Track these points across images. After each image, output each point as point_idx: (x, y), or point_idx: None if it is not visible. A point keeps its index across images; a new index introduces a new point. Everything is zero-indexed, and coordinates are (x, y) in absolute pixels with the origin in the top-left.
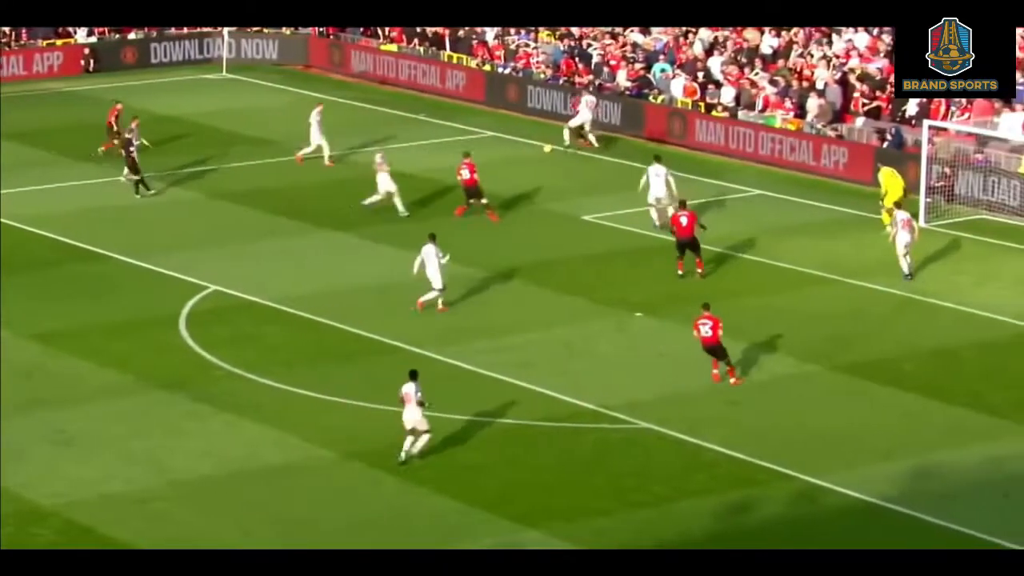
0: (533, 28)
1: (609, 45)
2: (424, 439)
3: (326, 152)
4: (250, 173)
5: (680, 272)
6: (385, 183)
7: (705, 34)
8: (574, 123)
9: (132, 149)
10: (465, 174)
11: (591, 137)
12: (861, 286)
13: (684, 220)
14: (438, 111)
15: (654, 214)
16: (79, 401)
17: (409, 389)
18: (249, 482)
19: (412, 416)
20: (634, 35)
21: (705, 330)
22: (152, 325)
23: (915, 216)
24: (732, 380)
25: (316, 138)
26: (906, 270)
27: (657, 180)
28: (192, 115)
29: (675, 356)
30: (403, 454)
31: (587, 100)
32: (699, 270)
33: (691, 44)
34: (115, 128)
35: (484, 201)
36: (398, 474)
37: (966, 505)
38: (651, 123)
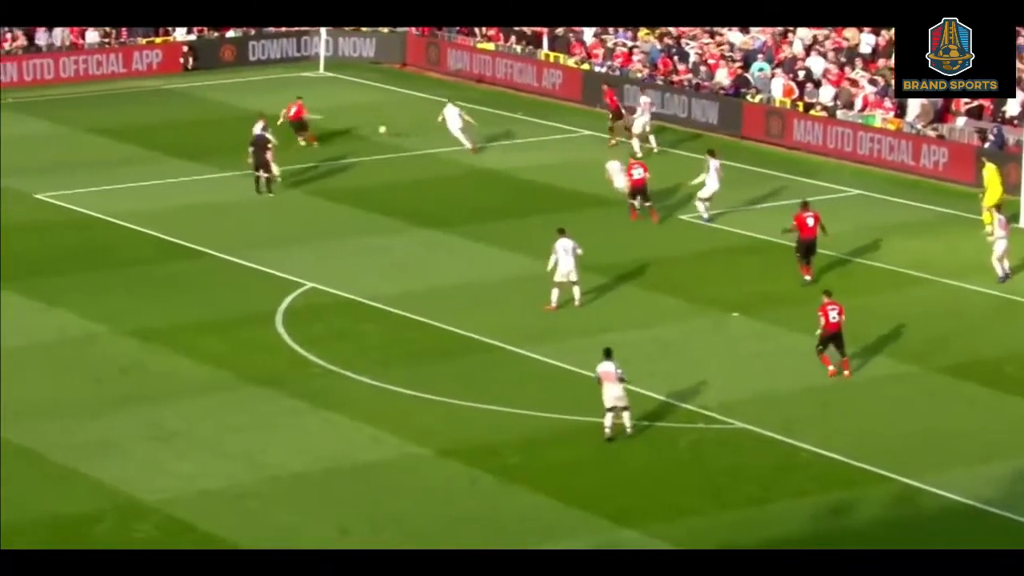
0: (632, 27)
1: (707, 44)
2: (627, 415)
3: (468, 143)
4: (347, 171)
5: (807, 277)
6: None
7: (804, 33)
8: (637, 128)
9: (270, 147)
10: (638, 173)
11: (636, 143)
12: (960, 287)
13: (810, 220)
14: (534, 110)
15: (701, 207)
16: (177, 397)
17: (609, 367)
18: (345, 479)
19: (615, 393)
20: (732, 34)
21: (834, 315)
22: (249, 322)
23: (1016, 217)
24: (846, 372)
25: (461, 132)
26: (1001, 273)
27: (715, 175)
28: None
29: (771, 356)
30: (608, 431)
31: (644, 100)
32: (807, 276)
33: (791, 43)
34: (304, 121)
35: (648, 203)
36: (494, 472)
37: None
38: (748, 123)
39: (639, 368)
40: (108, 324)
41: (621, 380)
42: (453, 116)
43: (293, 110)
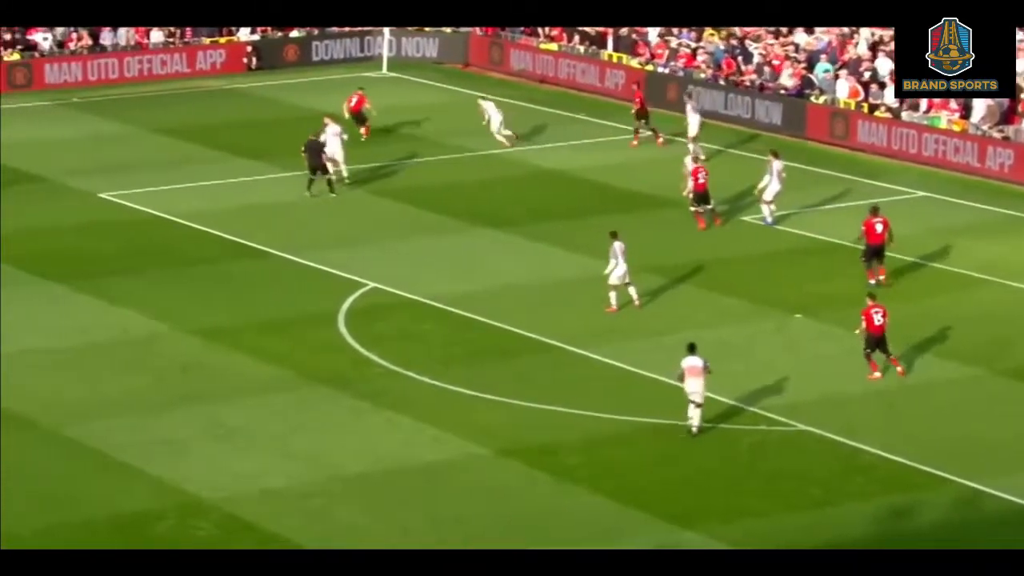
0: (697, 28)
1: (772, 45)
2: (698, 413)
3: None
4: (409, 171)
5: (872, 281)
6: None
7: (867, 33)
8: (693, 130)
9: (326, 150)
10: (702, 177)
11: (694, 146)
12: None
13: (879, 226)
14: (597, 110)
15: (766, 210)
16: (239, 396)
17: (696, 362)
18: (406, 479)
19: (692, 388)
20: (797, 35)
21: (878, 318)
22: (311, 322)
23: None
24: (899, 369)
25: (501, 128)
26: None
27: (777, 176)
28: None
29: (834, 358)
30: (691, 422)
31: (691, 105)
32: (881, 276)
33: (855, 44)
34: (363, 113)
35: (710, 207)
36: (553, 473)
37: None
38: (812, 124)
39: None
40: (171, 323)
41: (708, 371)
42: (493, 111)
43: (354, 100)
